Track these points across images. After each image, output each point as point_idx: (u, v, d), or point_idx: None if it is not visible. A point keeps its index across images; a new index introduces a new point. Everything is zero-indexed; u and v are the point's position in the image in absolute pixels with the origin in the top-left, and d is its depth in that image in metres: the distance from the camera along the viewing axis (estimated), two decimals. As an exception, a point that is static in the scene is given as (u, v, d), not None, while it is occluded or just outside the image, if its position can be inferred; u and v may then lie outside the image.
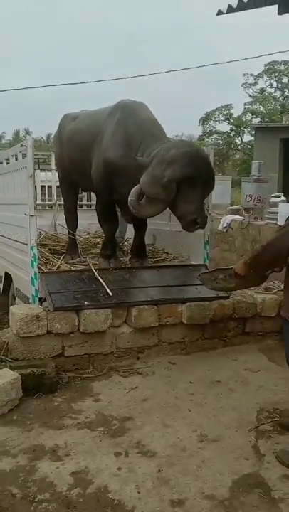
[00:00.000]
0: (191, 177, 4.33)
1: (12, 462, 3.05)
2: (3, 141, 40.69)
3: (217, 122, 33.66)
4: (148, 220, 5.78)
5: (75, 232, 6.27)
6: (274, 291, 5.31)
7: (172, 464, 3.04)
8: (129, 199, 4.44)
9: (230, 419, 3.59)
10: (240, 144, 33.81)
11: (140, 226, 5.55)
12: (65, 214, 6.49)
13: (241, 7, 5.31)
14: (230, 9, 5.43)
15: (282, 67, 32.04)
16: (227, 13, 5.49)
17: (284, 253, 3.03)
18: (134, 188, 4.43)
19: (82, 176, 5.67)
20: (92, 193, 7.52)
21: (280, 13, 5.51)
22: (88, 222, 7.08)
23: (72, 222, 6.30)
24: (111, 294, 4.60)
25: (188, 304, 4.77)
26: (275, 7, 5.45)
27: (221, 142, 33.18)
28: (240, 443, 3.27)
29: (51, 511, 2.61)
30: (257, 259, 3.30)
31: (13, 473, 2.93)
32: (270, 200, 8.03)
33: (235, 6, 5.34)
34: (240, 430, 3.43)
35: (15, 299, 5.48)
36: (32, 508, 2.63)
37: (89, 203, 8.22)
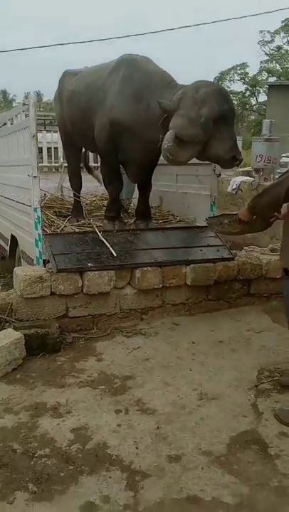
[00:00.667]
0: (226, 114, 4.26)
1: (14, 419, 3.12)
2: (14, 104, 40.26)
3: (232, 82, 32.81)
4: (153, 181, 5.72)
5: (79, 194, 6.20)
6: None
7: (171, 421, 3.08)
8: (165, 145, 4.20)
9: (231, 378, 3.62)
10: (255, 105, 33.04)
11: (145, 187, 5.46)
12: (68, 176, 6.42)
13: None
14: None
15: (300, 24, 30.86)
16: None
17: (281, 198, 3.13)
18: (168, 133, 4.18)
19: (83, 138, 5.57)
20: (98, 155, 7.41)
21: None
22: (95, 184, 7.01)
23: (76, 184, 6.22)
24: (115, 254, 4.59)
25: (192, 265, 4.75)
26: None
27: (235, 103, 32.39)
28: (239, 401, 3.30)
29: (50, 466, 2.67)
30: (257, 204, 3.47)
31: (14, 430, 3.00)
32: (281, 160, 7.88)
33: None
34: (240, 389, 3.46)
35: (21, 261, 5.51)
36: (32, 463, 2.70)
37: (96, 164, 8.12)
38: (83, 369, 3.79)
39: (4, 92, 43.56)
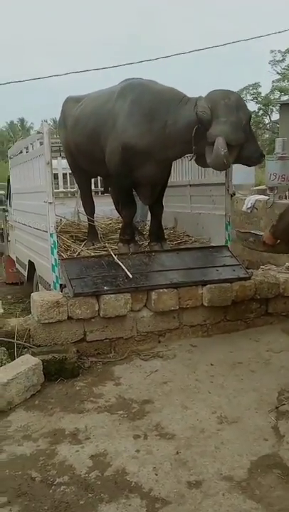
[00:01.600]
0: (251, 117, 4.72)
1: (33, 446, 3.11)
2: (32, 132, 41.03)
3: (245, 102, 33.01)
4: (167, 202, 5.77)
5: (92, 217, 6.21)
6: (297, 270, 5.22)
7: (190, 446, 3.04)
8: (222, 152, 4.31)
9: (251, 400, 3.56)
10: (268, 123, 33.10)
11: (157, 209, 5.49)
12: (81, 200, 6.46)
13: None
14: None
15: (310, 42, 31.09)
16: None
17: None
18: (220, 140, 4.32)
19: (90, 162, 5.63)
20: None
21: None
22: (110, 208, 7.07)
23: (88, 207, 6.19)
24: (131, 276, 4.61)
25: (208, 286, 4.73)
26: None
27: (249, 122, 32.54)
28: (259, 424, 3.25)
29: (69, 494, 2.65)
30: (276, 229, 3.59)
31: (33, 457, 2.99)
32: (295, 178, 7.86)
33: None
34: (261, 411, 3.41)
35: (38, 286, 5.56)
36: (50, 491, 2.68)
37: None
38: (101, 394, 3.77)
39: (22, 120, 44.50)
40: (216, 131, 4.37)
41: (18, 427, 3.34)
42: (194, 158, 4.72)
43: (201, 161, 4.77)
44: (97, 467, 2.88)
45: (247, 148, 4.59)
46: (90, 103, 5.50)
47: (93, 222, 6.08)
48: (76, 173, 6.27)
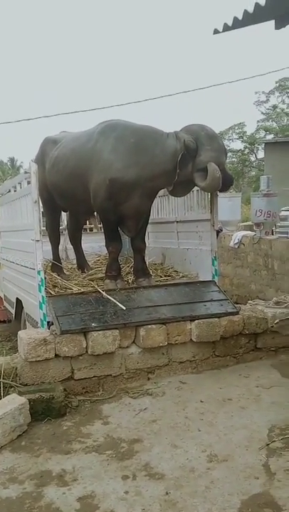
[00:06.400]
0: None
1: (19, 489, 3.03)
2: (21, 170, 41.35)
3: (231, 141, 33.77)
4: (156, 238, 5.87)
5: (57, 249, 6.48)
6: (285, 304, 5.24)
7: (180, 486, 2.97)
8: (217, 174, 4.78)
9: (241, 437, 3.51)
10: (254, 161, 33.77)
11: (140, 245, 5.61)
12: (48, 235, 6.52)
13: (236, 25, 5.34)
14: (226, 27, 5.47)
15: (293, 84, 32.10)
16: (223, 31, 5.52)
17: None
18: (212, 165, 4.78)
19: (68, 200, 5.83)
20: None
21: (277, 27, 5.54)
22: (99, 244, 7.11)
23: (55, 241, 6.52)
24: (124, 308, 4.61)
25: (197, 321, 4.72)
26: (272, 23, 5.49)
27: (235, 160, 33.21)
28: (250, 462, 3.19)
29: (55, 538, 2.57)
30: None
31: (19, 501, 2.91)
32: (280, 214, 7.98)
33: (230, 24, 5.38)
34: (251, 449, 3.35)
35: (26, 324, 5.51)
36: (36, 535, 2.60)
37: (99, 225, 8.26)
38: (89, 433, 3.70)
39: (12, 160, 44.87)
40: (207, 157, 4.81)
41: (4, 469, 3.26)
42: (171, 189, 5.09)
43: (177, 191, 5.20)
44: (84, 510, 2.80)
45: (223, 174, 4.90)
46: (69, 144, 5.68)
47: (58, 253, 6.47)
48: (49, 210, 6.37)
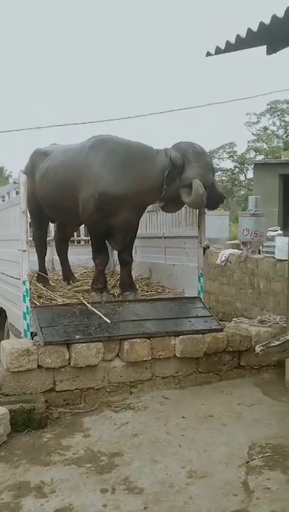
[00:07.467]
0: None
1: (-4, 500, 2.99)
2: (11, 180, 41.16)
3: (221, 160, 34.17)
4: (143, 253, 5.92)
5: (43, 260, 6.56)
6: (269, 323, 5.27)
7: (159, 501, 2.96)
8: (200, 191, 4.81)
9: (221, 454, 3.51)
10: (244, 181, 34.13)
11: (127, 258, 5.65)
12: (35, 245, 6.55)
13: (229, 48, 5.45)
14: (219, 50, 5.58)
15: (284, 106, 32.64)
16: (215, 54, 5.63)
17: None
18: (196, 181, 4.83)
19: (57, 211, 5.92)
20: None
21: (268, 53, 5.66)
22: (86, 257, 7.12)
23: (42, 251, 6.59)
24: (109, 321, 4.61)
25: (181, 337, 4.74)
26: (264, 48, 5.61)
27: (225, 179, 33.56)
28: (229, 479, 3.19)
29: None
30: None
31: (-5, 511, 2.87)
32: (267, 234, 8.06)
33: (223, 47, 5.49)
34: (231, 466, 3.35)
35: (9, 334, 5.48)
36: None
37: (87, 238, 8.28)
38: (69, 446, 3.68)
39: (1, 170, 44.82)
40: (192, 173, 4.87)
41: (-19, 479, 3.22)
42: (162, 204, 5.22)
43: (168, 207, 5.35)
44: (61, 523, 2.77)
45: (211, 191, 5.02)
46: (59, 156, 5.75)
47: (44, 264, 6.52)
48: (36, 221, 6.42)
